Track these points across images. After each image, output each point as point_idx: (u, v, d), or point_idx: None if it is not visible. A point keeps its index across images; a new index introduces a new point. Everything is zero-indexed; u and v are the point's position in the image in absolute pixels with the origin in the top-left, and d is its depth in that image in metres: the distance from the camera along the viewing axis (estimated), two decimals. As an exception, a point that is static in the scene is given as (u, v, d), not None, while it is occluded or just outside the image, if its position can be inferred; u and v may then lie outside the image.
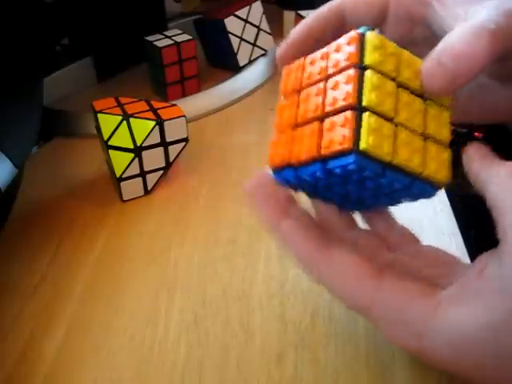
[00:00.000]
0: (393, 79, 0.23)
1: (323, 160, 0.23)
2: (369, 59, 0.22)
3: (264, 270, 0.34)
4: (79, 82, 0.59)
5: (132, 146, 0.40)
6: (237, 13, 0.58)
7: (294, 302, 0.32)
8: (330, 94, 0.23)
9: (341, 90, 0.23)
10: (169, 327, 0.31)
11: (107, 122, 0.40)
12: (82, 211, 0.41)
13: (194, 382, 0.28)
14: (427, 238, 0.29)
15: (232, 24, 0.58)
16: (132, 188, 0.41)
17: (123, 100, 0.43)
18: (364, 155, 0.21)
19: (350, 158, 0.21)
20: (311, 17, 0.28)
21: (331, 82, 0.23)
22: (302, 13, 0.65)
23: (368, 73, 0.22)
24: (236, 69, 0.60)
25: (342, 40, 0.24)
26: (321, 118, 0.23)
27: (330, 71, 0.24)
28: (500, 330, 0.20)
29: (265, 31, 0.61)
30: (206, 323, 0.31)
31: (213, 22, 0.60)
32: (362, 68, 0.22)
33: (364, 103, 0.22)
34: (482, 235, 0.23)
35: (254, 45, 0.61)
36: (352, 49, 0.23)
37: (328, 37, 0.26)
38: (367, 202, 0.27)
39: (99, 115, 0.41)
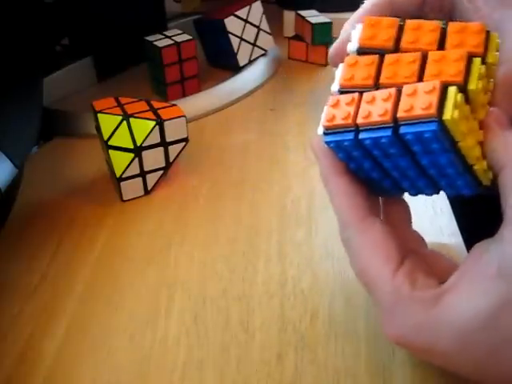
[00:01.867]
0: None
1: (395, 124, 0.23)
2: (489, 56, 0.24)
3: (264, 270, 0.34)
4: (79, 82, 0.59)
5: (132, 146, 0.40)
6: (237, 13, 0.58)
7: (294, 302, 0.32)
8: (434, 66, 0.23)
9: (449, 65, 0.23)
10: (169, 327, 0.31)
11: (107, 122, 0.40)
12: (82, 211, 0.41)
13: (193, 382, 0.28)
14: (427, 238, 0.29)
15: (232, 24, 0.58)
16: (132, 188, 0.41)
17: (123, 100, 0.43)
18: (443, 127, 0.22)
19: (431, 126, 0.21)
20: (362, 9, 0.29)
21: (437, 55, 0.23)
22: (302, 13, 0.65)
23: (478, 61, 0.23)
24: (236, 69, 0.60)
25: (469, 26, 0.24)
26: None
27: (447, 46, 0.24)
28: (499, 314, 0.20)
29: (265, 31, 0.61)
30: (206, 323, 0.31)
31: (213, 22, 0.60)
32: (478, 57, 0.23)
33: (470, 87, 0.22)
34: (482, 236, 0.23)
35: (253, 45, 0.61)
36: (481, 39, 0.24)
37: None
38: (406, 183, 0.26)
39: (99, 115, 0.41)
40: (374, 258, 0.24)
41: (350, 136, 0.24)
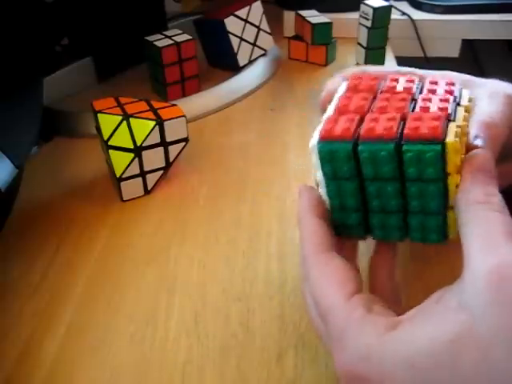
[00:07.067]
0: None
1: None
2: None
3: (264, 270, 0.34)
4: (79, 81, 0.59)
5: (132, 146, 0.40)
6: (237, 13, 0.58)
7: (294, 302, 0.32)
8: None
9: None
10: (169, 327, 0.31)
11: (107, 122, 0.40)
12: (82, 211, 0.41)
13: (193, 381, 0.28)
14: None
15: (232, 24, 0.58)
16: (132, 188, 0.41)
17: (123, 100, 0.43)
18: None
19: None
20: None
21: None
22: (302, 13, 0.65)
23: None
24: (236, 69, 0.60)
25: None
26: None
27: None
28: (458, 347, 0.19)
29: (265, 31, 0.61)
30: (206, 323, 0.31)
31: (213, 22, 0.60)
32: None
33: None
34: None
35: (253, 45, 0.61)
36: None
37: None
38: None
39: (99, 115, 0.41)
40: (329, 286, 0.23)
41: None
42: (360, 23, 0.66)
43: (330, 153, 0.24)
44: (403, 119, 0.24)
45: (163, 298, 0.33)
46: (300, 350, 0.29)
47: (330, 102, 0.28)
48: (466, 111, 0.25)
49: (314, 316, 0.25)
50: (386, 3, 0.63)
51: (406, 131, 0.23)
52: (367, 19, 0.64)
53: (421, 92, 0.26)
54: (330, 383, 0.27)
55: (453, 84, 0.26)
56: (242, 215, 0.40)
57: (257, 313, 0.31)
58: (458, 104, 0.25)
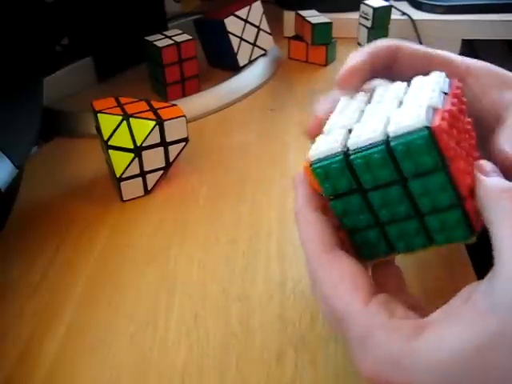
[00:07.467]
0: None
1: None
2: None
3: (264, 270, 0.34)
4: (79, 81, 0.59)
5: (132, 146, 0.40)
6: (237, 13, 0.58)
7: (294, 302, 0.32)
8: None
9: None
10: (169, 327, 0.31)
11: (107, 122, 0.40)
12: (82, 211, 0.41)
13: (193, 381, 0.28)
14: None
15: (232, 24, 0.58)
16: (132, 188, 0.41)
17: (123, 100, 0.43)
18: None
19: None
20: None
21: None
22: (302, 13, 0.65)
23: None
24: (236, 69, 0.60)
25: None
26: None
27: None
28: (486, 353, 0.18)
29: (265, 31, 0.61)
30: (206, 323, 0.31)
31: (213, 22, 0.60)
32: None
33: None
34: (484, 238, 0.23)
35: (254, 45, 0.61)
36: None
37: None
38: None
39: (99, 115, 0.41)
40: (341, 288, 0.22)
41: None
42: (360, 23, 0.66)
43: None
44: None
45: (163, 298, 0.33)
46: (300, 349, 0.29)
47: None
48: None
49: (331, 321, 0.24)
50: (386, 3, 0.63)
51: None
52: (367, 19, 0.64)
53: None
54: (329, 383, 0.27)
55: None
56: (242, 215, 0.40)
57: (257, 313, 0.31)
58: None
